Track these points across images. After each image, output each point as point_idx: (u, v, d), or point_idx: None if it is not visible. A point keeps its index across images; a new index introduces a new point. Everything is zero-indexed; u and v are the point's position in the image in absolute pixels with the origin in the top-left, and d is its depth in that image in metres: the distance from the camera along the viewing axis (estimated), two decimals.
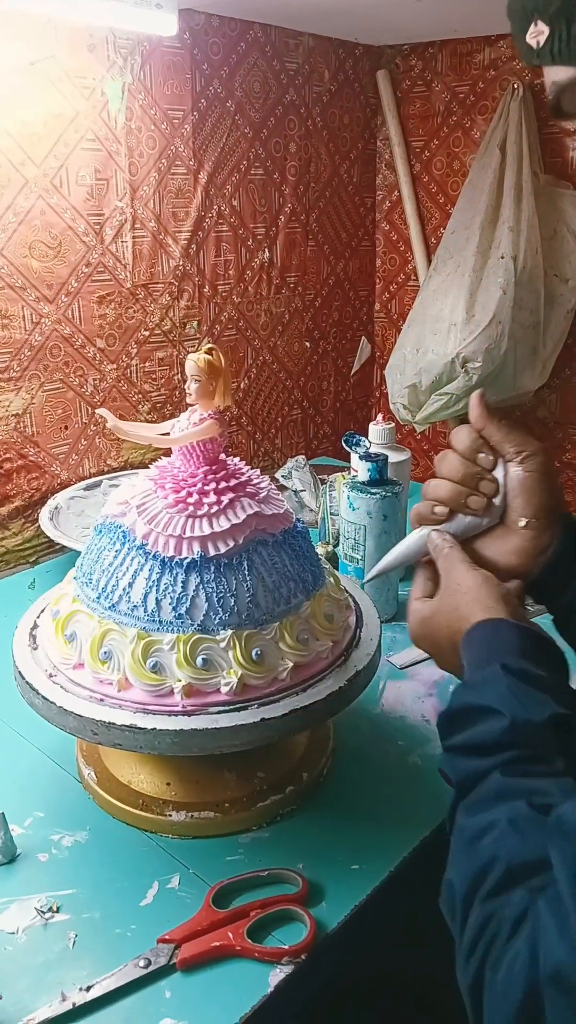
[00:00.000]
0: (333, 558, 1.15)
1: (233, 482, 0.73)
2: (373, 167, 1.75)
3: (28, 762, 0.82)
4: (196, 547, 0.69)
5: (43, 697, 0.68)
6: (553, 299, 1.45)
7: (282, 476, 1.42)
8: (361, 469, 1.05)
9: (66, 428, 1.28)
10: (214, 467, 0.74)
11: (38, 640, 0.75)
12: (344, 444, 1.12)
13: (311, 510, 1.35)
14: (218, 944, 0.61)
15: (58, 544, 1.14)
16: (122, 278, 1.30)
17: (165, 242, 1.35)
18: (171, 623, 0.67)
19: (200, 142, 1.36)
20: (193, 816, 0.73)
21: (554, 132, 1.48)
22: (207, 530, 0.69)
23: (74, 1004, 0.57)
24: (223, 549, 0.69)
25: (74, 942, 0.63)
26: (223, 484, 0.72)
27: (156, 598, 0.68)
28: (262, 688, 0.68)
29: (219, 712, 0.66)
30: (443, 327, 1.44)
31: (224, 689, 0.67)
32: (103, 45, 1.18)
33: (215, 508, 0.70)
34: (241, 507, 0.71)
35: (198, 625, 0.67)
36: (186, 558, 0.68)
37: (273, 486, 0.77)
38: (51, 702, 0.67)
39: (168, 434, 0.75)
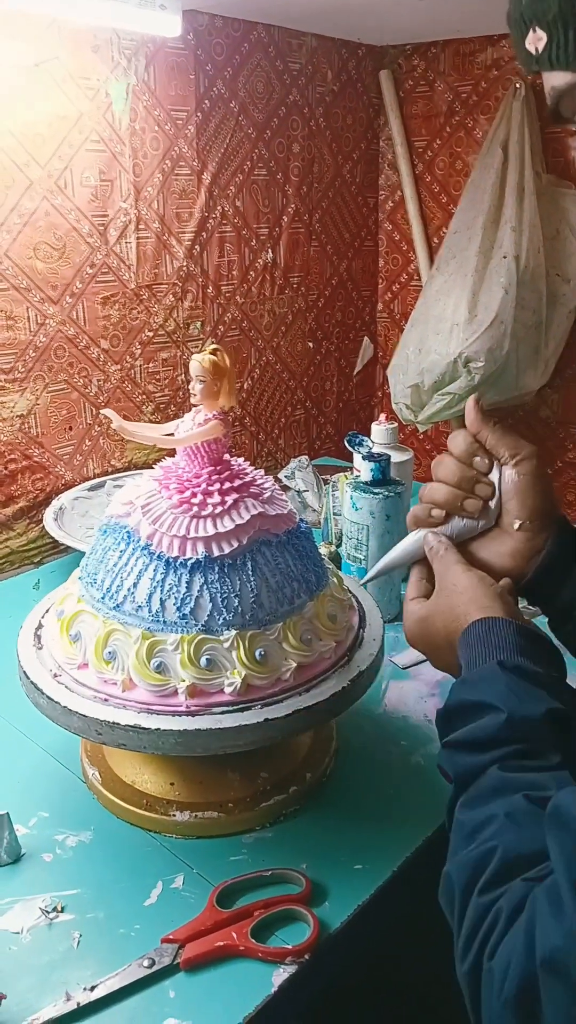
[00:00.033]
0: (336, 558, 1.15)
1: (237, 482, 0.73)
2: (376, 167, 1.75)
3: (32, 762, 0.82)
4: (200, 547, 0.69)
5: (48, 697, 0.68)
6: (555, 299, 1.45)
7: (285, 476, 1.42)
8: (364, 469, 1.05)
9: (70, 429, 1.29)
10: (218, 467, 0.74)
11: (43, 640, 0.76)
12: (347, 444, 1.12)
13: (314, 510, 1.35)
14: (222, 944, 0.62)
15: (62, 545, 1.14)
16: (126, 279, 1.30)
17: (169, 243, 1.35)
18: (175, 623, 0.67)
19: (204, 143, 1.36)
20: (197, 816, 0.73)
21: (556, 132, 1.48)
22: (211, 530, 0.69)
23: (78, 1004, 0.58)
24: (227, 549, 0.69)
25: (78, 942, 0.63)
26: (227, 485, 0.73)
27: (160, 598, 0.68)
28: (266, 688, 0.68)
29: (223, 712, 0.66)
30: (445, 327, 1.44)
31: (228, 689, 0.67)
32: (107, 46, 1.19)
33: (219, 509, 0.71)
34: (245, 508, 0.72)
35: (202, 625, 0.67)
36: (190, 558, 0.68)
37: (277, 486, 0.77)
38: (55, 702, 0.67)
39: (172, 435, 0.75)
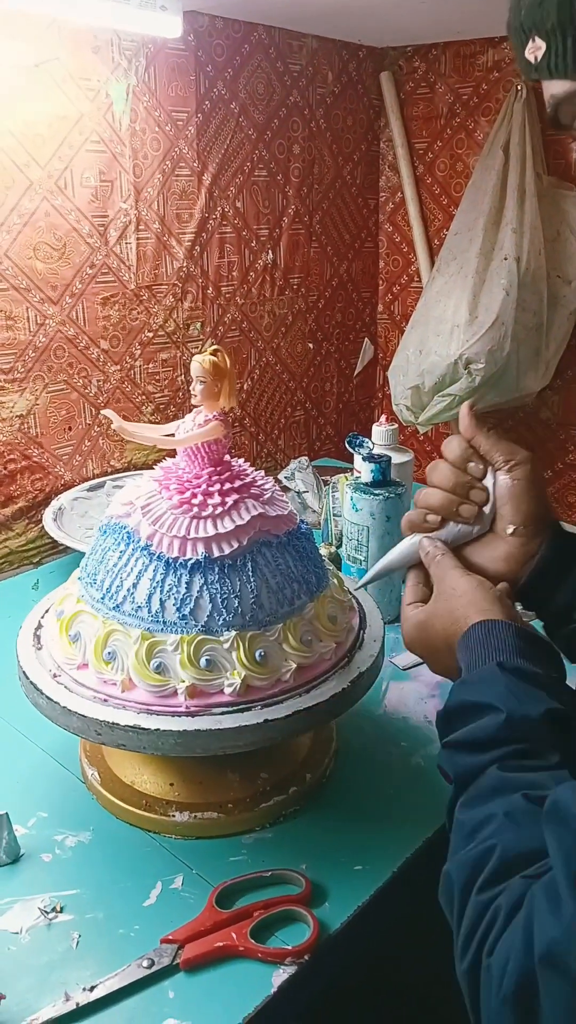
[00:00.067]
0: (336, 559, 1.15)
1: (237, 483, 0.73)
2: (376, 169, 1.75)
3: (31, 762, 0.82)
4: (200, 548, 0.69)
5: (47, 697, 0.68)
6: (556, 300, 1.45)
7: (285, 477, 1.42)
8: (364, 470, 1.05)
9: (70, 429, 1.29)
10: (218, 468, 0.74)
11: (42, 640, 0.76)
12: (347, 445, 1.12)
13: (314, 511, 1.35)
14: (221, 944, 0.62)
15: (62, 545, 1.14)
16: (126, 279, 1.30)
17: (169, 244, 1.36)
18: (175, 624, 0.67)
19: (204, 144, 1.37)
20: (196, 817, 0.73)
21: (557, 134, 1.48)
22: (211, 531, 0.69)
23: (77, 1004, 0.58)
24: (227, 550, 0.69)
25: (77, 942, 0.63)
26: (227, 485, 0.73)
27: (160, 599, 0.68)
28: (266, 689, 0.68)
29: (223, 713, 0.66)
30: (446, 328, 1.44)
31: (228, 690, 0.67)
32: (107, 47, 1.19)
33: (219, 509, 0.71)
34: (245, 508, 0.72)
35: (202, 626, 0.67)
36: (190, 559, 0.68)
37: (277, 487, 0.77)
38: (55, 702, 0.67)
39: (173, 435, 0.75)
